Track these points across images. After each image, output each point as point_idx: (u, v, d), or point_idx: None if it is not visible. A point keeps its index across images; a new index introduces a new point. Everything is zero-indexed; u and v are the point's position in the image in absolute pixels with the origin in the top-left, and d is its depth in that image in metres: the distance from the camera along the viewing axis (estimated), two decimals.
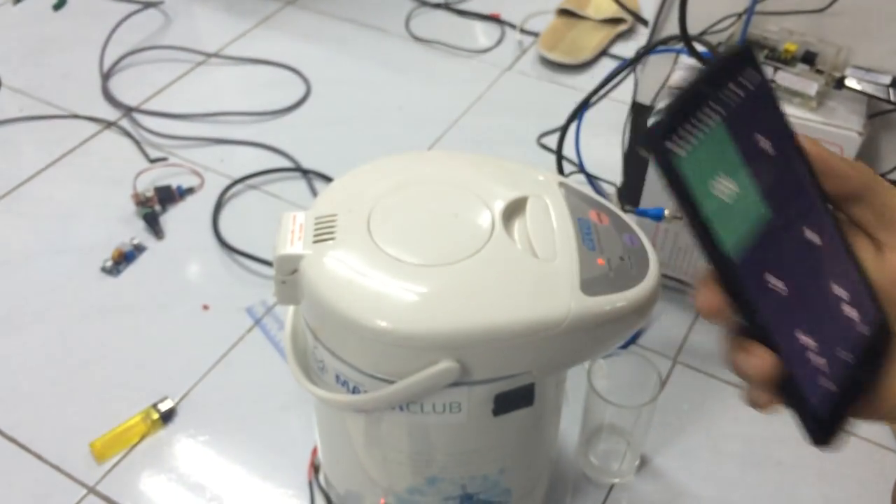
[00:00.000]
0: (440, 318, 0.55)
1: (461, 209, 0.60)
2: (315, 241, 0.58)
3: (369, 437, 0.64)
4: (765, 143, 0.32)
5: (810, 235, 0.34)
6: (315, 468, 0.80)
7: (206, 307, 0.96)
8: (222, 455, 0.83)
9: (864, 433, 0.84)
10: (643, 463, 0.82)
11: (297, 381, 0.63)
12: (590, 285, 0.58)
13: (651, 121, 0.36)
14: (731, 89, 0.31)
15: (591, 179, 1.01)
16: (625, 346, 0.92)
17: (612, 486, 0.80)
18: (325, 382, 0.62)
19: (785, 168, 0.33)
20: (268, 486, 0.80)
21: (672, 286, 0.99)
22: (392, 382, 0.56)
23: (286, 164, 1.15)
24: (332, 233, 0.59)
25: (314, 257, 0.58)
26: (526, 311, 0.56)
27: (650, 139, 0.29)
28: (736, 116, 0.31)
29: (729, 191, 0.31)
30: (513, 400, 0.60)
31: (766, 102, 0.33)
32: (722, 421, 0.86)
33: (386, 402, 0.58)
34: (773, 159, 0.33)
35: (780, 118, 0.34)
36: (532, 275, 0.58)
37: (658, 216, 0.89)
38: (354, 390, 0.59)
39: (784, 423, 0.90)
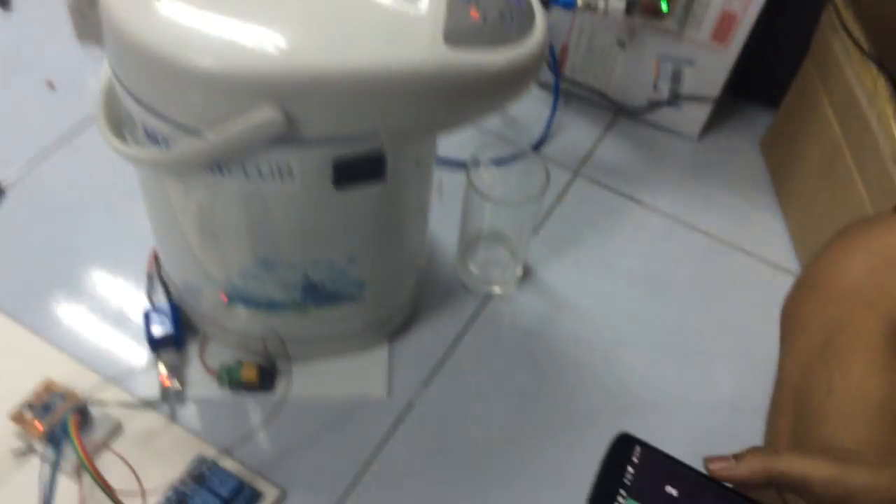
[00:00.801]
0: (260, 55, 0.44)
1: None
2: None
3: (192, 209, 0.54)
4: (673, 490, 0.39)
5: None
6: (157, 260, 0.71)
7: (50, 84, 0.84)
8: (55, 244, 0.73)
9: (762, 253, 0.78)
10: (527, 274, 0.76)
11: (104, 138, 0.52)
12: (455, 36, 0.48)
13: None
14: (628, 471, 0.39)
15: None
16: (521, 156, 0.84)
17: (490, 296, 0.74)
18: (136, 139, 0.52)
19: (699, 497, 0.39)
20: (105, 278, 0.71)
21: (584, 96, 0.90)
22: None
23: None
24: None
25: None
26: (371, 54, 0.46)
27: None
28: (640, 488, 0.38)
29: None
30: (357, 170, 0.51)
31: (659, 462, 0.40)
32: (619, 237, 0.80)
33: (198, 157, 0.48)
34: (686, 497, 0.39)
35: (679, 466, 0.40)
36: (385, 14, 0.47)
37: (570, 4, 0.79)
38: (165, 145, 0.49)
39: (681, 243, 0.86)
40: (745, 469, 0.40)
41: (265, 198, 0.51)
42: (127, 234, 0.74)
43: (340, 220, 0.54)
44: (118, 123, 0.53)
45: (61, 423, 0.55)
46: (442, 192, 0.70)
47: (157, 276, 0.70)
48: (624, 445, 0.40)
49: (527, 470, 0.63)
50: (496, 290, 0.74)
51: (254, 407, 0.64)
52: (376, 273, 0.60)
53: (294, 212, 0.52)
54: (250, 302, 0.59)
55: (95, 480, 0.51)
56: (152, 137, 0.49)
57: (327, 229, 0.54)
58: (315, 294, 0.59)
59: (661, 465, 0.40)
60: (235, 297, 0.59)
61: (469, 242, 0.74)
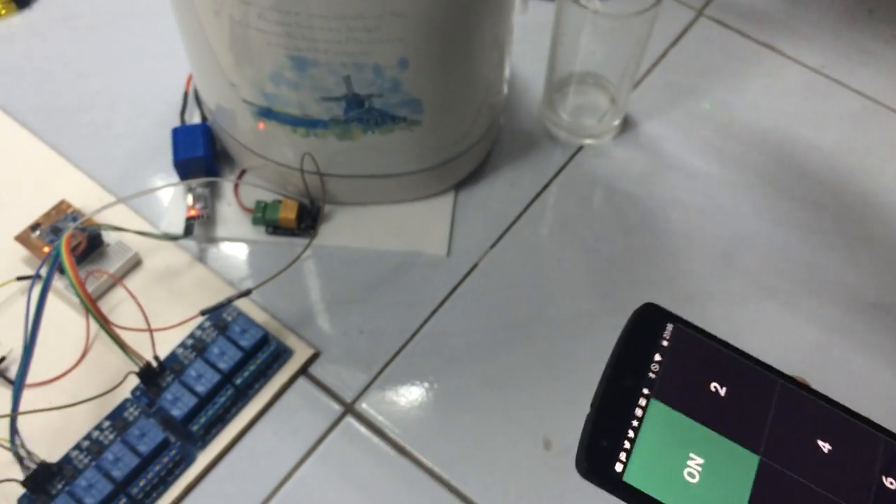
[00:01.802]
0: None
1: None
2: None
3: None
4: (720, 388, 0.26)
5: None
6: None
7: None
8: (84, 57, 0.65)
9: None
10: (627, 126, 0.63)
11: None
12: None
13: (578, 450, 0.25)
14: (654, 360, 0.26)
15: None
16: None
17: (580, 149, 0.61)
18: None
19: (757, 397, 0.26)
20: (137, 97, 0.62)
21: None
22: None
23: None
24: None
25: None
26: None
27: (585, 473, 0.25)
28: (669, 385, 0.26)
29: (698, 466, 0.25)
30: None
31: (700, 348, 0.27)
32: (748, 91, 0.65)
33: None
34: (737, 398, 0.26)
35: (730, 354, 0.27)
36: None
37: None
38: None
39: (828, 103, 0.70)
40: None
41: None
42: (164, 50, 0.64)
43: (388, 5, 0.42)
44: None
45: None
46: (527, 6, 0.57)
47: (194, 97, 0.61)
48: (649, 322, 0.27)
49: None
50: (588, 141, 0.61)
51: (290, 252, 0.55)
52: (437, 90, 0.49)
53: None
54: (286, 118, 0.49)
55: (86, 306, 0.43)
56: None
57: (373, 16, 0.42)
58: (361, 110, 0.48)
59: (702, 351, 0.27)
60: (269, 112, 0.49)
61: (559, 80, 0.61)
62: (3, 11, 0.66)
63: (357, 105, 0.47)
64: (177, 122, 0.59)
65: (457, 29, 0.46)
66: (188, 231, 0.54)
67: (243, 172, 0.58)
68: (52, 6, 0.68)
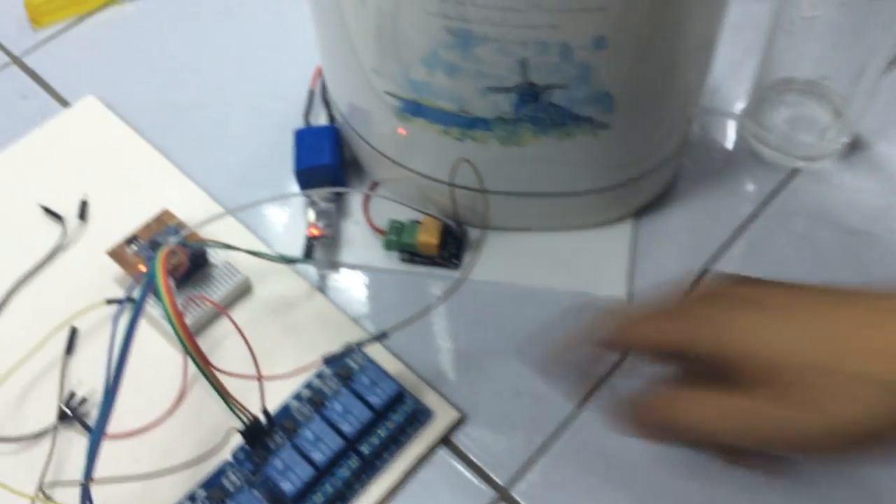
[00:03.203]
0: None
1: None
2: None
3: None
4: None
5: None
6: (323, 77, 0.53)
7: None
8: (199, 49, 0.57)
9: None
10: (856, 146, 0.49)
11: None
12: None
13: None
14: None
15: None
16: None
17: (795, 172, 0.49)
18: None
19: None
20: (257, 96, 0.53)
21: None
22: None
23: None
24: None
25: None
26: None
27: None
28: None
29: None
30: None
31: None
32: None
33: None
34: None
35: None
36: None
37: None
38: None
39: None
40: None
41: None
42: (289, 42, 0.56)
43: None
44: None
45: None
46: None
47: (320, 95, 0.52)
48: None
49: None
50: (803, 163, 0.49)
51: (430, 285, 0.45)
52: (634, 86, 0.37)
53: None
54: (437, 115, 0.39)
55: (182, 342, 0.34)
56: None
57: None
58: (536, 106, 0.37)
59: None
60: (416, 108, 0.39)
61: (770, 88, 0.48)
62: None
63: (531, 99, 0.37)
64: (300, 124, 0.50)
65: (668, 5, 0.35)
66: (308, 253, 0.44)
67: (375, 185, 0.48)
68: None
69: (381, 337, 0.37)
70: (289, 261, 0.45)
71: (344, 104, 0.46)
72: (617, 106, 0.37)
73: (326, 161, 0.46)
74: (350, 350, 0.37)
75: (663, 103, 0.40)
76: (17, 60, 0.57)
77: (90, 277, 0.45)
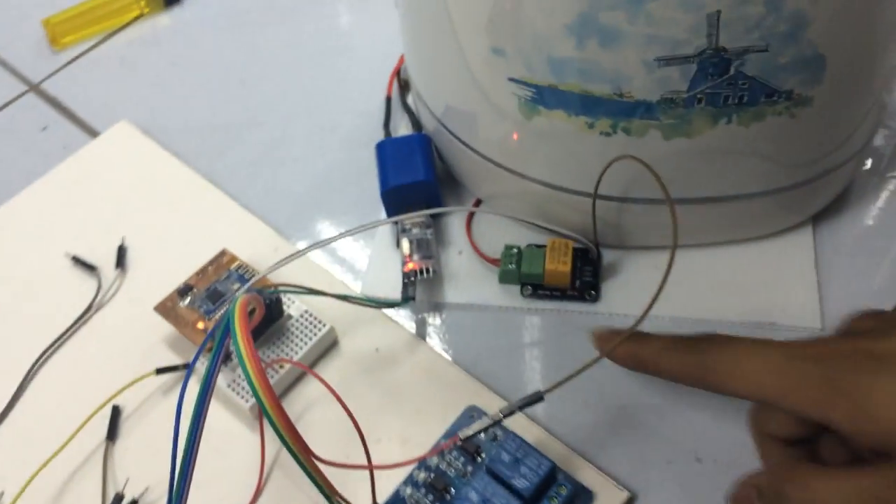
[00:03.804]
0: None
1: None
2: None
3: None
4: None
5: None
6: (401, 80, 0.44)
7: None
8: (255, 54, 0.48)
9: None
10: None
11: None
12: None
13: None
14: None
15: None
16: None
17: None
18: None
19: None
20: (323, 110, 0.45)
21: None
22: None
23: None
24: None
25: None
26: None
27: None
28: None
29: None
30: None
31: None
32: None
33: None
34: None
35: None
36: None
37: None
38: None
39: None
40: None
41: None
42: (351, 45, 0.47)
43: None
44: None
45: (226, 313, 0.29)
46: None
47: (399, 101, 0.43)
48: None
49: None
50: None
51: (563, 325, 0.35)
52: (847, 49, 0.28)
53: None
54: (582, 104, 0.29)
55: (275, 426, 0.25)
56: None
57: None
58: (722, 80, 0.28)
59: None
60: (552, 95, 0.30)
61: None
62: (147, 10, 0.51)
63: (717, 71, 0.27)
64: (376, 137, 0.41)
65: None
66: (408, 294, 0.35)
67: (478, 203, 0.39)
68: (207, 1, 0.53)
69: (535, 400, 0.27)
70: (385, 304, 0.35)
71: (439, 106, 0.37)
72: (827, 72, 0.28)
73: (422, 177, 0.37)
74: (496, 421, 0.27)
75: (874, 71, 0.31)
76: (34, 88, 0.49)
77: (134, 340, 0.36)
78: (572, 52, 0.28)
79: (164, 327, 0.35)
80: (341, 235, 0.34)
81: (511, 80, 0.30)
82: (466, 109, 0.34)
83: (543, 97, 0.30)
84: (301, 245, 0.39)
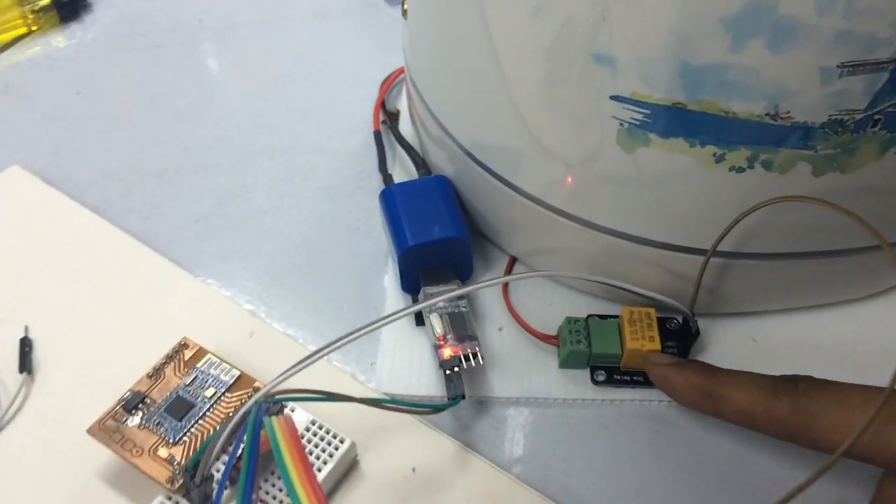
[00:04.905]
0: None
1: None
2: None
3: None
4: None
5: None
6: (386, 110, 0.35)
7: None
8: (188, 81, 0.38)
9: None
10: None
11: None
12: None
13: None
14: None
15: None
16: None
17: None
18: None
19: None
20: (289, 144, 0.36)
21: None
22: None
23: None
24: None
25: None
26: None
27: None
28: None
29: None
30: None
31: None
32: None
33: None
34: None
35: None
36: None
37: None
38: None
39: None
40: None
41: None
42: (312, 70, 0.38)
43: None
44: None
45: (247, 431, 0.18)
46: None
47: (392, 135, 0.34)
48: None
49: None
50: None
51: (655, 423, 0.27)
52: None
53: None
54: (718, 129, 0.21)
55: None
56: None
57: None
58: None
59: None
60: (679, 117, 0.22)
61: None
62: (36, 27, 0.40)
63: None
64: (366, 182, 0.32)
65: None
66: (456, 390, 0.26)
67: (514, 263, 0.31)
68: (115, 16, 0.42)
69: None
70: (434, 408, 0.26)
71: (467, 133, 0.28)
72: None
73: (453, 232, 0.28)
74: None
75: None
76: None
77: (55, 480, 0.25)
78: (722, 57, 0.20)
79: (104, 458, 0.24)
80: (367, 327, 0.24)
81: (615, 98, 0.22)
82: (524, 142, 0.26)
83: (659, 121, 0.22)
84: (280, 326, 0.29)
